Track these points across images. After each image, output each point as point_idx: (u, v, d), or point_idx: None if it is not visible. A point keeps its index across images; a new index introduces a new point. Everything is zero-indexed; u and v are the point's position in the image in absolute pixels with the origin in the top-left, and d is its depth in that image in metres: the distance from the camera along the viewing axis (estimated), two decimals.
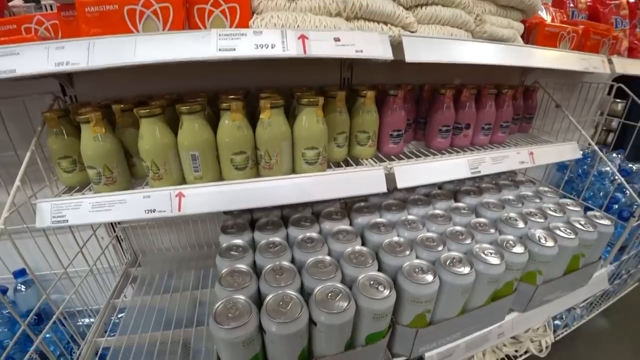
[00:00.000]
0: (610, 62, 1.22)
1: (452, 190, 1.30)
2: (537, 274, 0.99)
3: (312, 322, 0.70)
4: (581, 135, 1.32)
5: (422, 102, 1.15)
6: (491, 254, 0.89)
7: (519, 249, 0.93)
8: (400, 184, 0.92)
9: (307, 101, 0.81)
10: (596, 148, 1.34)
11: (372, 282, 0.76)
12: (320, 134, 0.85)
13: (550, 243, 0.95)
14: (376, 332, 0.78)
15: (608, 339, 1.79)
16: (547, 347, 1.52)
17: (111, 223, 1.24)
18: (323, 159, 0.88)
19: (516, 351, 1.53)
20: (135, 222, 1.26)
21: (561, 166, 1.90)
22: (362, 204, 1.15)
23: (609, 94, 1.76)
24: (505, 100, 1.17)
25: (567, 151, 1.24)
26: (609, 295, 1.83)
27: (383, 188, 0.90)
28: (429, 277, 0.79)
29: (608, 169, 1.72)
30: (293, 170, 0.90)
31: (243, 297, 0.71)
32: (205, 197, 0.81)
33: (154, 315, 1.08)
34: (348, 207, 1.17)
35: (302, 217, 1.05)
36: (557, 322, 1.66)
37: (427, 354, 0.93)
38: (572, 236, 0.99)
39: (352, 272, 0.81)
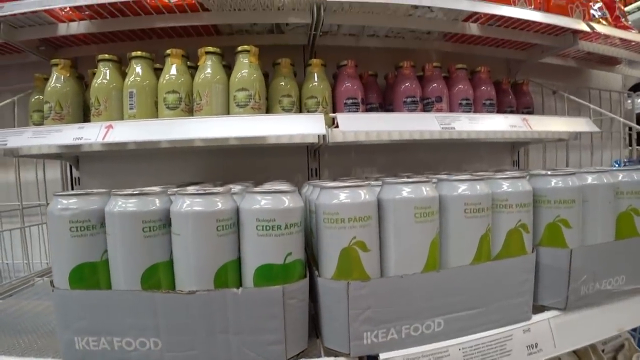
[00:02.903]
0: None
1: None
2: (561, 226, 0.64)
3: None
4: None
5: (388, 86, 1.12)
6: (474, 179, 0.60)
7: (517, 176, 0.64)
8: (342, 127, 0.82)
9: (241, 48, 0.88)
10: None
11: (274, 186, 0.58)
12: (251, 77, 0.86)
13: (563, 174, 0.66)
14: (268, 266, 0.50)
15: None
16: None
17: None
18: (256, 103, 0.86)
19: None
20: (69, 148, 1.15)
21: None
22: None
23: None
24: (482, 78, 1.08)
25: (578, 123, 0.99)
26: None
27: (321, 130, 0.80)
28: (354, 184, 0.53)
29: None
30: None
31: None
32: (131, 129, 0.82)
33: None
34: None
35: None
36: None
37: (383, 355, 0.53)
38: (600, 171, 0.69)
39: None
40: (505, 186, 0.61)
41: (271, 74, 0.99)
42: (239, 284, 0.51)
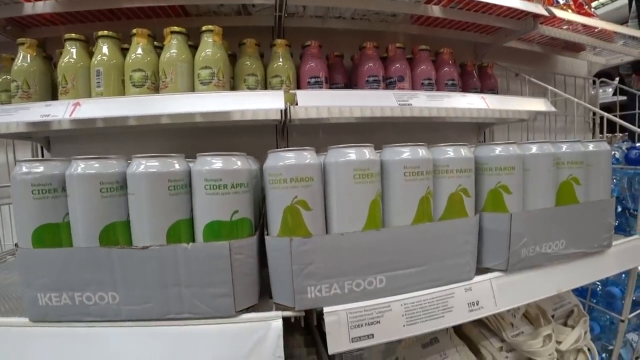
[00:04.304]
0: None
1: None
2: (502, 192, 0.69)
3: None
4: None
5: (354, 66, 1.16)
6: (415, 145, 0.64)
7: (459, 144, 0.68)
8: (301, 103, 0.85)
9: (205, 28, 0.90)
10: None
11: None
12: (214, 56, 0.88)
13: (504, 143, 0.70)
14: (216, 222, 0.53)
15: None
16: None
17: None
18: (219, 81, 0.88)
19: None
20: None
21: None
22: None
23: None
24: (445, 59, 1.12)
25: (536, 103, 1.05)
26: None
27: (281, 105, 0.84)
28: (299, 148, 0.56)
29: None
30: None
31: None
32: (98, 106, 0.84)
33: None
34: None
35: None
36: None
37: (327, 309, 0.57)
38: (542, 142, 0.74)
39: None
40: (448, 153, 0.65)
41: (238, 53, 1.02)
42: (191, 240, 0.55)
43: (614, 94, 1.79)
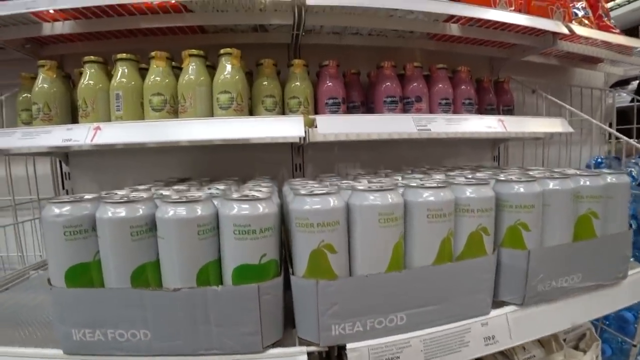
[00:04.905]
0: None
1: None
2: (521, 229, 0.69)
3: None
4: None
5: (371, 84, 1.15)
6: (434, 183, 0.65)
7: (480, 183, 0.68)
8: (321, 130, 0.86)
9: (223, 51, 0.90)
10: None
11: (250, 187, 0.64)
12: (233, 79, 0.88)
13: (525, 180, 0.70)
14: (245, 266, 0.54)
15: None
16: None
17: None
18: (238, 105, 0.89)
19: None
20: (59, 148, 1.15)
21: None
22: None
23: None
24: (462, 77, 1.12)
25: (553, 124, 1.04)
26: None
27: (300, 132, 0.84)
28: (324, 192, 0.57)
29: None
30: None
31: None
32: (118, 132, 0.85)
33: None
34: None
35: None
36: None
37: (350, 345, 0.59)
38: (562, 177, 0.74)
39: None
40: (468, 192, 0.66)
41: (255, 73, 1.02)
42: (220, 281, 0.56)
43: (632, 100, 1.77)
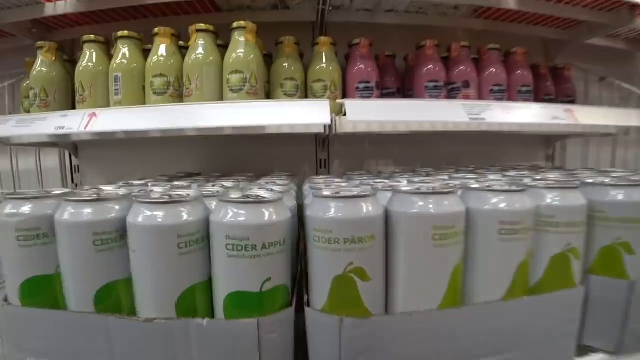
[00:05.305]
0: None
1: None
2: (621, 251, 0.49)
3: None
4: None
5: (408, 68, 0.98)
6: (506, 186, 0.47)
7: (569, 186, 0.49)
8: (350, 116, 0.70)
9: (236, 25, 0.77)
10: None
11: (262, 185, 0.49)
12: (247, 58, 0.75)
13: (629, 184, 0.50)
14: (244, 294, 0.39)
15: None
16: None
17: None
18: (252, 87, 0.75)
19: None
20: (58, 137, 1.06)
21: None
22: None
23: None
24: (518, 61, 0.93)
25: (634, 116, 0.83)
26: None
27: (326, 119, 0.69)
28: (354, 194, 0.41)
29: None
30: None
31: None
32: (115, 118, 0.74)
33: None
34: None
35: None
36: None
37: None
38: None
39: None
40: (552, 199, 0.47)
41: (275, 54, 0.88)
42: (210, 311, 0.42)
43: None
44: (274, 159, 1.11)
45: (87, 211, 0.40)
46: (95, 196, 0.42)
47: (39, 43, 0.84)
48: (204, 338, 0.39)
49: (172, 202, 0.39)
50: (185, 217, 0.39)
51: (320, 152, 1.12)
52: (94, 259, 0.40)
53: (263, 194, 0.44)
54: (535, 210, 0.45)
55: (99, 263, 0.41)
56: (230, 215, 0.38)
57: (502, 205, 0.42)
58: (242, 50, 0.75)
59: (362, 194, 0.41)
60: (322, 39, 0.85)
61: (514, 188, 0.44)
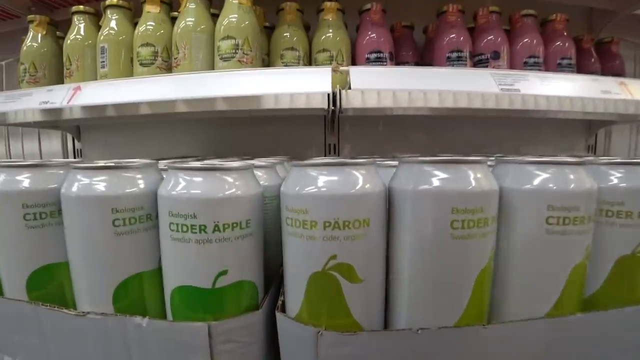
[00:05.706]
0: None
1: None
2: None
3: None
4: None
5: (428, 41, 0.87)
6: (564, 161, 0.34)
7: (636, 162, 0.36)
8: (355, 84, 0.60)
9: None
10: None
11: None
12: (240, 23, 0.66)
13: None
14: (189, 289, 0.30)
15: None
16: None
17: None
18: (244, 55, 0.67)
19: None
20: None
21: None
22: None
23: None
24: (557, 29, 0.78)
25: None
26: None
27: (326, 87, 0.59)
28: (340, 162, 0.31)
29: None
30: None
31: None
32: (99, 91, 0.68)
33: None
34: None
35: None
36: None
37: None
38: None
39: None
40: (621, 179, 0.34)
41: (275, 23, 0.79)
42: (158, 307, 0.34)
43: None
44: (279, 142, 1.03)
45: (18, 178, 0.34)
46: (30, 162, 0.35)
47: (30, 17, 0.80)
48: (144, 341, 0.31)
49: (111, 167, 0.32)
50: (124, 186, 0.31)
51: (329, 136, 1.02)
52: (24, 236, 0.34)
53: (226, 164, 0.35)
54: (595, 193, 0.33)
55: (31, 242, 0.34)
56: (175, 185, 0.29)
57: (551, 185, 0.30)
58: (235, 15, 0.67)
59: (352, 162, 0.31)
60: (328, 4, 0.75)
61: (568, 160, 0.32)
